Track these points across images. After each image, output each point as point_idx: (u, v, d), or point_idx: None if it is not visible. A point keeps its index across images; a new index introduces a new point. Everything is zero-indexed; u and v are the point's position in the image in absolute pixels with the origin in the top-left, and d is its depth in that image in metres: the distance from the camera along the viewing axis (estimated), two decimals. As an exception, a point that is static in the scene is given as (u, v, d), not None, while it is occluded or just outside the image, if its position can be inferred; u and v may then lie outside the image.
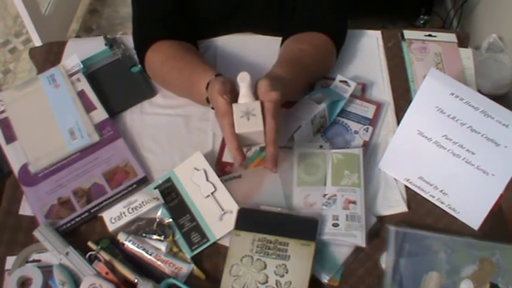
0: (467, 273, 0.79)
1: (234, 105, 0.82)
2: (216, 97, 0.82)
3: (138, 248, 0.84)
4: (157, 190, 0.90)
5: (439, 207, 0.89)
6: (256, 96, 0.83)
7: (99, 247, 0.83)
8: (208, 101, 0.89)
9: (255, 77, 0.83)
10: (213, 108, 0.87)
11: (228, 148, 0.84)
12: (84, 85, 1.03)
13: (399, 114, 0.99)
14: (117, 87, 1.05)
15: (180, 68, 0.96)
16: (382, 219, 0.87)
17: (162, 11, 1.02)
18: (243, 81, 0.82)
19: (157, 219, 0.88)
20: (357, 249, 0.83)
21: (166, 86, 1.03)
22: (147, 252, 0.83)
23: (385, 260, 0.82)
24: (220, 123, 0.84)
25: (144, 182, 0.92)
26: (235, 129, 0.81)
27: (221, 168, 0.93)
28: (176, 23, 1.03)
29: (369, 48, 1.11)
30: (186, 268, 0.82)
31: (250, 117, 0.81)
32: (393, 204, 0.89)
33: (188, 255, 0.84)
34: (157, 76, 1.02)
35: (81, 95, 1.02)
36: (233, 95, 0.83)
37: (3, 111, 1.02)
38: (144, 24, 1.04)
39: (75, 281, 0.80)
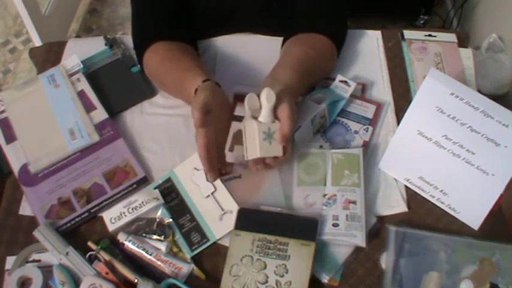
0: (467, 273, 0.79)
1: (257, 124, 0.82)
2: (195, 121, 0.81)
3: (138, 248, 0.84)
4: (157, 190, 0.90)
5: (439, 207, 0.89)
6: (275, 114, 0.84)
7: (99, 247, 0.83)
8: None
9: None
10: None
11: (202, 165, 0.85)
12: (84, 85, 1.03)
13: (399, 114, 0.99)
14: (117, 87, 1.05)
15: (175, 71, 0.95)
16: (382, 219, 0.87)
17: (161, 11, 1.02)
18: (269, 102, 0.82)
19: (157, 219, 0.88)
20: (357, 249, 0.83)
21: (162, 87, 1.04)
22: (147, 252, 0.83)
23: (385, 260, 0.82)
24: (196, 140, 0.83)
25: (144, 182, 0.92)
26: (258, 153, 0.82)
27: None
28: (175, 23, 1.03)
29: (369, 48, 1.11)
30: (186, 268, 0.82)
31: (271, 142, 0.82)
32: (393, 204, 0.89)
33: (188, 255, 0.84)
34: (154, 77, 1.03)
35: (81, 95, 1.02)
36: (216, 107, 0.83)
37: (3, 111, 1.02)
38: (143, 24, 1.04)
39: (75, 281, 0.80)
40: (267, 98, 0.81)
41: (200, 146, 0.82)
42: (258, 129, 0.82)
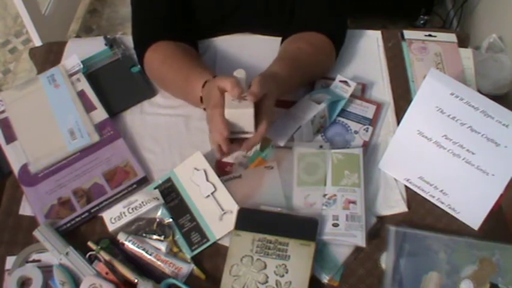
0: (467, 273, 0.79)
1: (226, 93, 0.82)
2: (214, 89, 0.83)
3: (138, 248, 0.84)
4: (157, 190, 0.90)
5: (439, 207, 0.89)
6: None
7: (99, 247, 0.83)
8: (202, 100, 0.89)
9: (253, 77, 0.83)
10: (205, 109, 0.86)
11: (214, 139, 0.83)
12: (84, 85, 1.03)
13: (399, 114, 0.99)
14: (117, 87, 1.05)
15: (178, 68, 0.96)
16: (382, 219, 0.87)
17: (161, 11, 1.02)
18: (237, 74, 0.83)
19: (157, 219, 0.88)
20: (357, 249, 0.83)
21: (163, 86, 1.04)
22: (147, 252, 0.83)
23: (385, 260, 0.82)
24: (211, 114, 0.83)
25: (144, 182, 0.92)
26: (225, 108, 0.81)
27: (221, 168, 0.93)
28: (176, 23, 1.03)
29: (369, 48, 1.11)
30: (186, 268, 0.82)
31: (241, 101, 0.81)
32: (393, 204, 0.89)
33: (188, 255, 0.84)
34: (156, 76, 1.02)
35: (81, 95, 1.02)
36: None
37: (3, 111, 1.02)
38: (143, 24, 1.04)
39: (75, 281, 0.80)
40: (237, 72, 0.84)
41: (221, 122, 0.81)
42: (227, 95, 0.82)
